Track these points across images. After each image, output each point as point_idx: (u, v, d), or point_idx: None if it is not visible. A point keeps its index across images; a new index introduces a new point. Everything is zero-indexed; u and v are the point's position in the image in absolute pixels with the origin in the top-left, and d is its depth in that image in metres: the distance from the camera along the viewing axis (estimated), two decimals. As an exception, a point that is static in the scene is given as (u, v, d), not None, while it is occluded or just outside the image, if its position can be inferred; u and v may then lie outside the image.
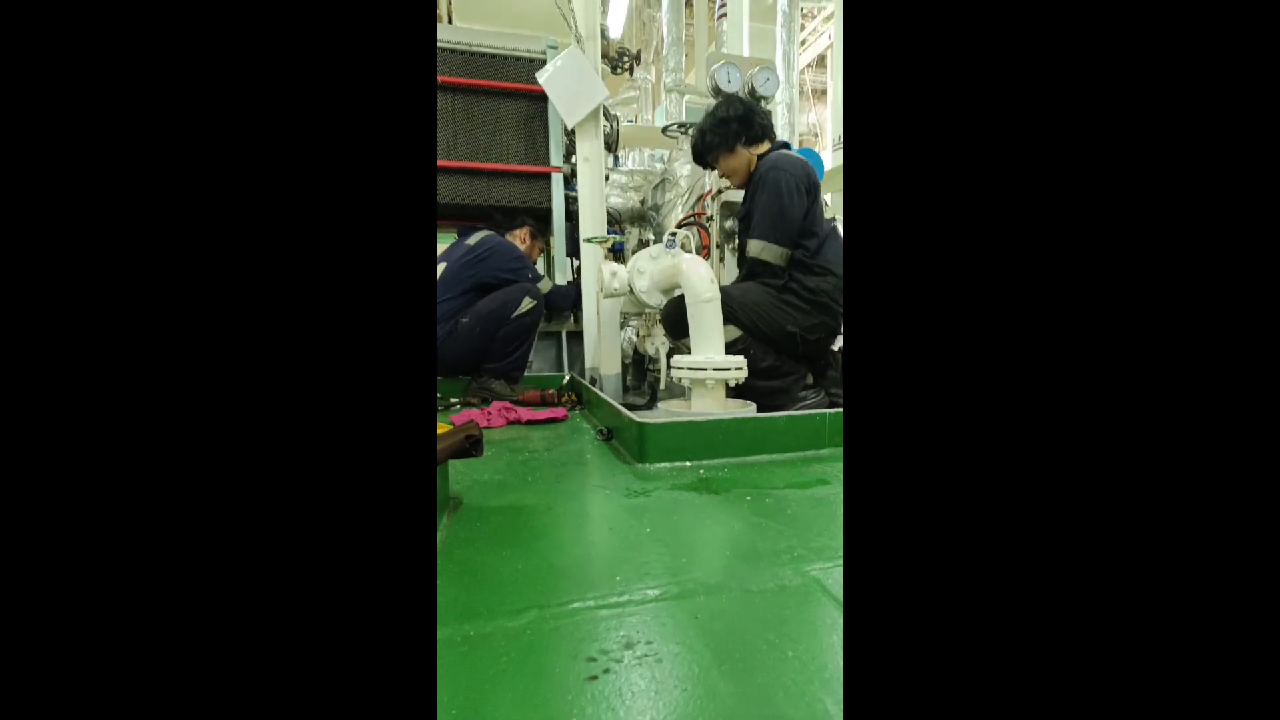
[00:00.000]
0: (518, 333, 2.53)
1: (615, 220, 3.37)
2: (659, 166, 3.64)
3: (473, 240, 2.66)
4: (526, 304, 2.53)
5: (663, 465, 1.34)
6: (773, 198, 2.06)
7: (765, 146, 2.23)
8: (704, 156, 2.33)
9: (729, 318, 1.92)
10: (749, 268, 2.18)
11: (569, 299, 2.90)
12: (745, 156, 2.23)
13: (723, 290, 1.92)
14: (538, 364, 3.12)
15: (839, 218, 2.64)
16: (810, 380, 2.16)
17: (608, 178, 3.20)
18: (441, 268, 2.62)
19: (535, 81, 2.72)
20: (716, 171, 2.39)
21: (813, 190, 2.11)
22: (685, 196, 3.00)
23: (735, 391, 1.87)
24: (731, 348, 1.90)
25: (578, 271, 3.12)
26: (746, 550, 0.86)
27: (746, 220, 2.19)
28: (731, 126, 2.20)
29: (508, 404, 2.15)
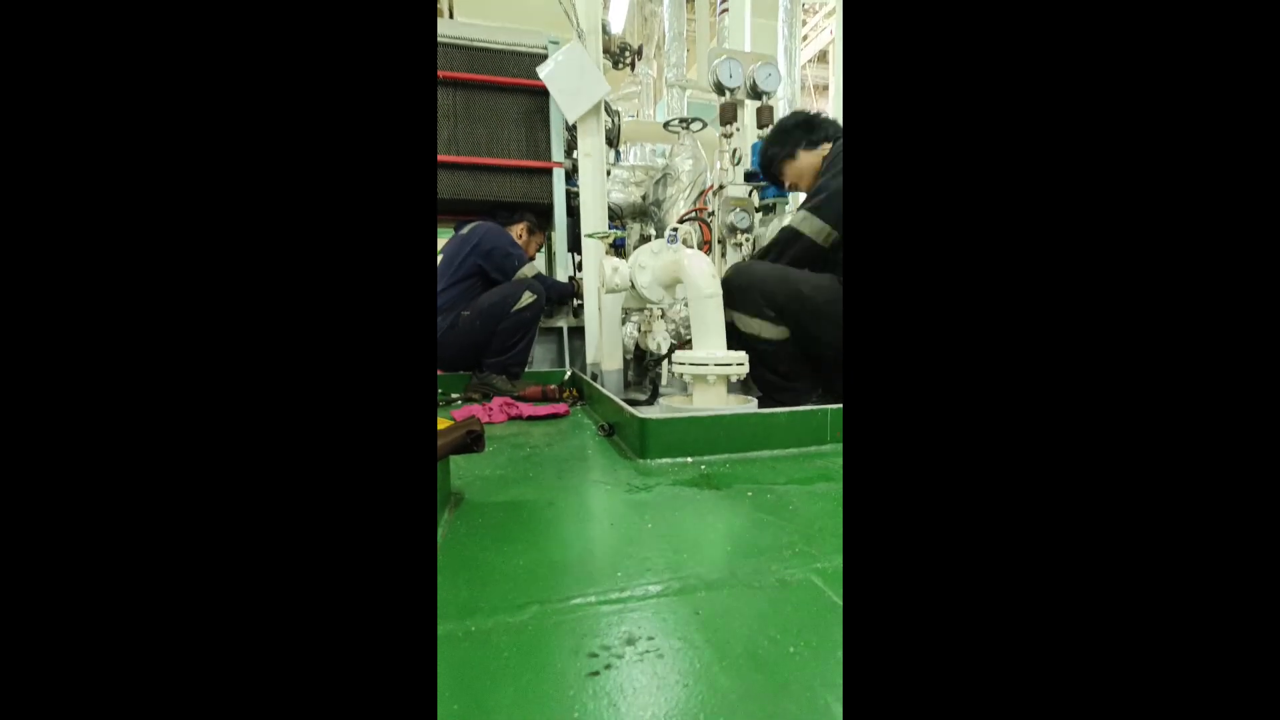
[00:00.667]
0: (518, 327, 2.54)
1: (617, 215, 3.37)
2: (661, 161, 3.63)
3: (465, 230, 2.69)
4: (527, 298, 2.54)
5: (664, 461, 1.34)
6: (831, 169, 1.95)
7: (829, 147, 2.13)
8: (770, 170, 2.25)
9: (783, 312, 1.83)
10: (779, 246, 2.05)
11: (556, 288, 2.90)
12: (809, 160, 2.14)
13: (790, 275, 1.83)
14: (539, 359, 3.12)
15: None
16: (820, 392, 2.11)
17: (609, 173, 3.20)
18: (438, 260, 2.64)
19: (536, 76, 2.71)
20: (787, 184, 2.30)
21: None
22: (687, 192, 3.00)
23: (741, 383, 1.87)
24: (763, 344, 1.85)
25: (579, 267, 3.12)
26: (748, 546, 0.86)
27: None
28: (793, 134, 2.14)
29: (509, 399, 2.15)
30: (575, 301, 3.08)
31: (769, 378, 1.91)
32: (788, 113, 2.25)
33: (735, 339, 1.92)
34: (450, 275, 2.60)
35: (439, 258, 2.68)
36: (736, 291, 1.96)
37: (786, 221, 2.06)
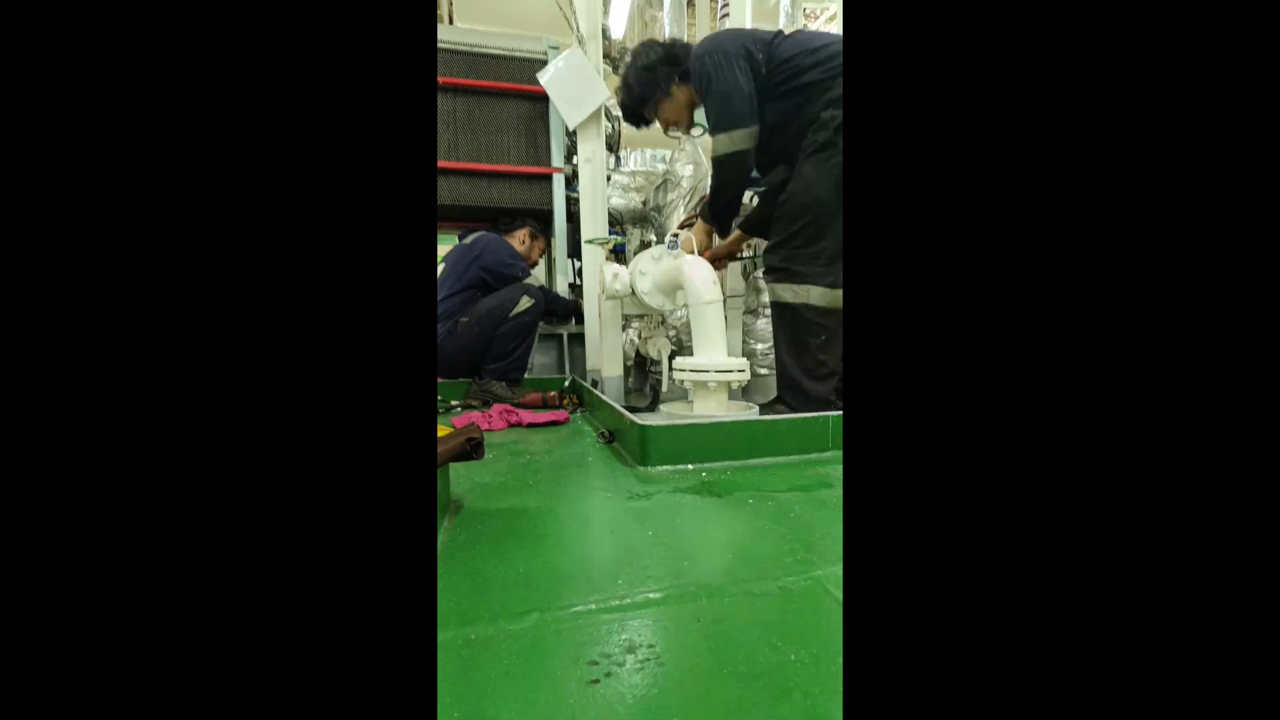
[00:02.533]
0: (516, 331, 2.54)
1: (617, 221, 3.37)
2: (661, 167, 3.63)
3: (469, 240, 2.70)
4: (525, 303, 2.55)
5: (665, 468, 1.34)
6: (708, 86, 1.88)
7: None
8: (640, 111, 2.14)
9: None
10: (718, 176, 2.02)
11: (559, 302, 2.91)
12: (686, 94, 2.05)
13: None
14: (539, 366, 3.12)
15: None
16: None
17: (609, 178, 3.20)
18: (441, 268, 2.64)
19: (536, 82, 2.72)
20: (659, 124, 2.19)
21: (756, 55, 1.87)
22: (687, 197, 3.00)
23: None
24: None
25: (579, 273, 3.12)
26: (749, 553, 0.86)
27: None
28: (659, 70, 2.02)
29: (508, 406, 2.15)
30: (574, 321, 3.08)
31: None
32: (634, 51, 2.10)
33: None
34: (451, 285, 2.61)
35: (441, 267, 2.68)
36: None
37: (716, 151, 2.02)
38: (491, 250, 2.67)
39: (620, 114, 2.24)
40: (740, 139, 1.88)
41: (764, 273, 1.90)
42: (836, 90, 1.81)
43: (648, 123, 2.21)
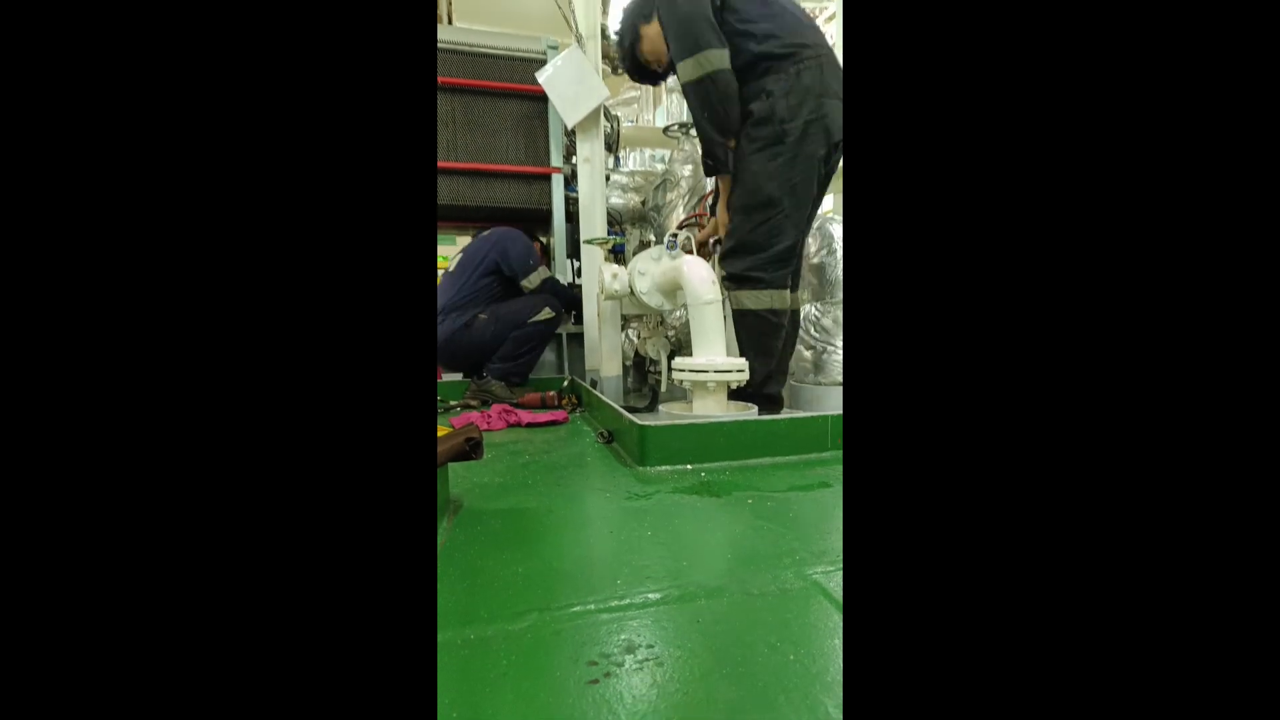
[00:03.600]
0: (531, 336, 2.58)
1: (616, 221, 3.37)
2: (660, 167, 3.63)
3: (486, 233, 2.78)
4: (546, 313, 2.60)
5: (664, 468, 1.34)
6: (669, 14, 1.81)
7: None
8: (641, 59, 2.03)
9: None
10: (694, 107, 1.85)
11: (564, 294, 2.92)
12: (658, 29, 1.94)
13: None
14: (538, 366, 3.12)
15: (839, 218, 2.63)
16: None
17: (608, 178, 3.20)
18: (457, 259, 2.67)
19: (535, 82, 2.72)
20: (658, 64, 2.08)
21: None
22: (686, 197, 3.00)
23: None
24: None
25: (578, 273, 3.13)
26: (748, 553, 0.86)
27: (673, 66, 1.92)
28: (641, 4, 1.93)
29: (507, 406, 2.15)
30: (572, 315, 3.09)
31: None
32: None
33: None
34: (470, 271, 2.63)
35: (457, 259, 2.71)
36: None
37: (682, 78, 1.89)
38: (511, 238, 2.71)
39: (631, 78, 2.16)
40: (709, 60, 1.76)
41: (724, 278, 1.91)
42: (771, 81, 1.77)
43: (661, 75, 2.10)
